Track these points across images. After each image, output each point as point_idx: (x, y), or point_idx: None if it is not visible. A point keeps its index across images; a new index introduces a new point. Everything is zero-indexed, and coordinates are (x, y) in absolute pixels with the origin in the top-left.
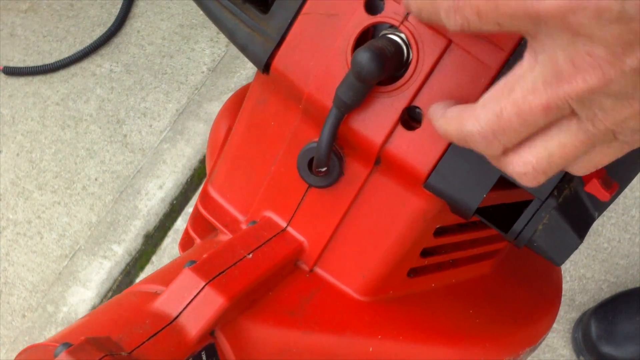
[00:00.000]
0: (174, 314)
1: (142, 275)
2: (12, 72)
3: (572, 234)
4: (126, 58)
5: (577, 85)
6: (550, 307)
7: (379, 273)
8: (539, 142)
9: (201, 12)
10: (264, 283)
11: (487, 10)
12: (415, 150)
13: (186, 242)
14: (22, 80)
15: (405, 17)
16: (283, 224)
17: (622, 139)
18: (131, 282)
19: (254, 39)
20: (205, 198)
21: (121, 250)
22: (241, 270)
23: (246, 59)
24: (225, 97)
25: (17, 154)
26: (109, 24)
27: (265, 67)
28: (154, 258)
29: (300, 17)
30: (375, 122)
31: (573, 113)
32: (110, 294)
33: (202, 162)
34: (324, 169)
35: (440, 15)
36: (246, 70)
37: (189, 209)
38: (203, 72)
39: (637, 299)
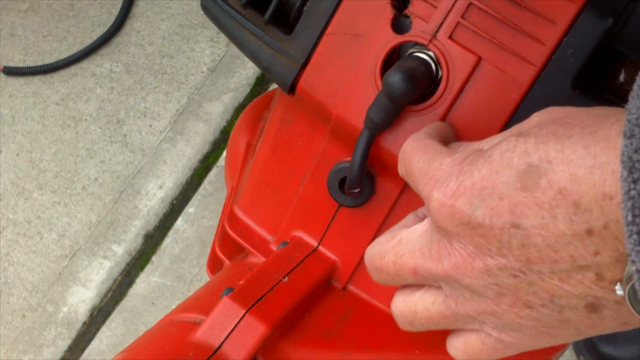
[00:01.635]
0: (217, 344)
1: (142, 275)
2: (12, 72)
3: None
4: (126, 58)
5: (436, 267)
6: None
7: None
8: (412, 295)
9: (201, 12)
10: (300, 306)
11: (407, 172)
12: None
13: (214, 264)
14: (22, 80)
15: (434, 36)
16: (314, 243)
17: (491, 335)
18: (131, 282)
19: (278, 60)
20: (233, 219)
21: (121, 250)
22: (278, 295)
23: (246, 59)
24: (226, 97)
25: (17, 154)
26: (109, 24)
27: (290, 89)
28: (154, 258)
29: (324, 38)
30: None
31: (439, 287)
32: (110, 293)
33: (202, 162)
34: (356, 190)
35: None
36: (246, 70)
37: (189, 209)
38: (203, 72)
39: None
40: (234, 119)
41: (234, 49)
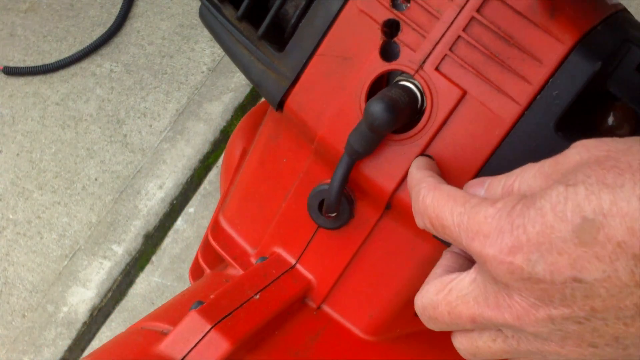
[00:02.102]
0: (179, 358)
1: (142, 275)
2: (12, 72)
3: None
4: (126, 58)
5: (497, 316)
6: None
7: (387, 314)
8: (472, 334)
9: None
10: (270, 323)
11: (437, 226)
12: None
13: (196, 270)
14: (22, 80)
15: (421, 66)
16: (292, 260)
17: None
18: (131, 282)
19: (268, 76)
20: (216, 228)
21: (121, 250)
22: (248, 312)
23: None
24: (226, 97)
25: (17, 154)
26: (109, 24)
27: (279, 105)
28: (153, 258)
29: (315, 58)
30: (387, 169)
31: (500, 330)
32: (110, 293)
33: (202, 162)
34: (333, 214)
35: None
36: None
37: (189, 209)
38: (203, 72)
39: None
40: (234, 119)
41: None
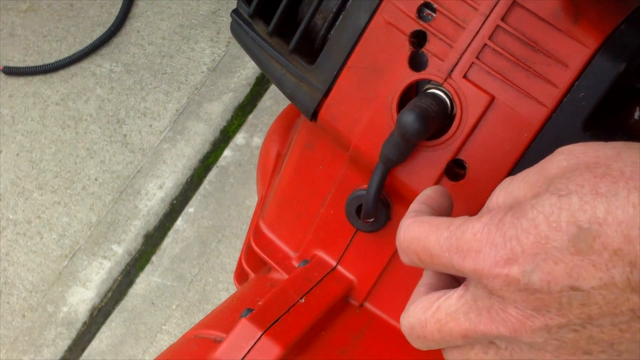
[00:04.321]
0: None
1: (142, 276)
2: (12, 72)
3: None
4: (126, 58)
5: (491, 330)
6: None
7: None
8: (461, 349)
9: (201, 12)
10: (316, 325)
11: (424, 258)
12: (459, 200)
13: (240, 274)
14: (22, 80)
15: (449, 75)
16: (333, 262)
17: None
18: (131, 282)
19: (301, 88)
20: (258, 234)
21: (121, 250)
22: (295, 316)
23: (246, 59)
24: (225, 97)
25: (17, 154)
26: (109, 24)
27: (312, 116)
28: (153, 258)
29: (345, 70)
30: (421, 174)
31: (492, 342)
32: (110, 293)
33: (202, 162)
34: (371, 219)
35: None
36: (246, 70)
37: (189, 209)
38: (203, 72)
39: None
40: (233, 119)
41: (234, 49)
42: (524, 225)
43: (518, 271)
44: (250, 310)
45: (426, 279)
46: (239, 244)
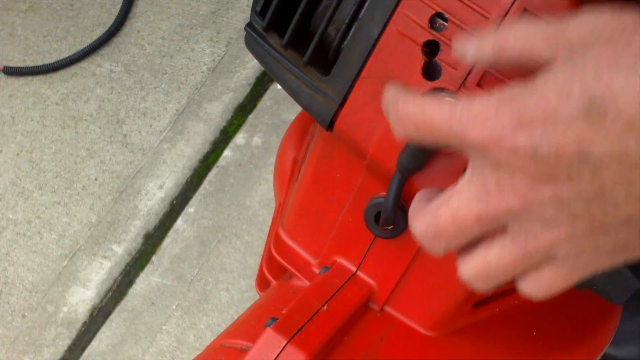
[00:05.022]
0: None
1: (142, 275)
2: (12, 72)
3: (630, 276)
4: (126, 58)
5: (501, 204)
6: (610, 316)
7: (446, 310)
8: (479, 251)
9: (201, 12)
10: (339, 331)
11: (424, 129)
12: None
13: (262, 281)
14: (22, 80)
15: (463, 83)
16: (353, 268)
17: (566, 262)
18: (131, 282)
19: (316, 99)
20: (278, 242)
21: (121, 250)
22: (318, 323)
23: (246, 59)
24: (226, 97)
25: (17, 154)
26: (109, 24)
27: (329, 126)
28: (154, 258)
29: (360, 80)
30: (438, 180)
31: (506, 228)
32: (110, 293)
33: (202, 162)
34: (390, 227)
35: (390, 123)
36: (246, 70)
37: (189, 209)
38: (203, 72)
39: (637, 299)
40: (233, 119)
41: (234, 49)
42: (535, 92)
43: (526, 139)
44: (274, 319)
45: (424, 193)
46: (239, 244)
